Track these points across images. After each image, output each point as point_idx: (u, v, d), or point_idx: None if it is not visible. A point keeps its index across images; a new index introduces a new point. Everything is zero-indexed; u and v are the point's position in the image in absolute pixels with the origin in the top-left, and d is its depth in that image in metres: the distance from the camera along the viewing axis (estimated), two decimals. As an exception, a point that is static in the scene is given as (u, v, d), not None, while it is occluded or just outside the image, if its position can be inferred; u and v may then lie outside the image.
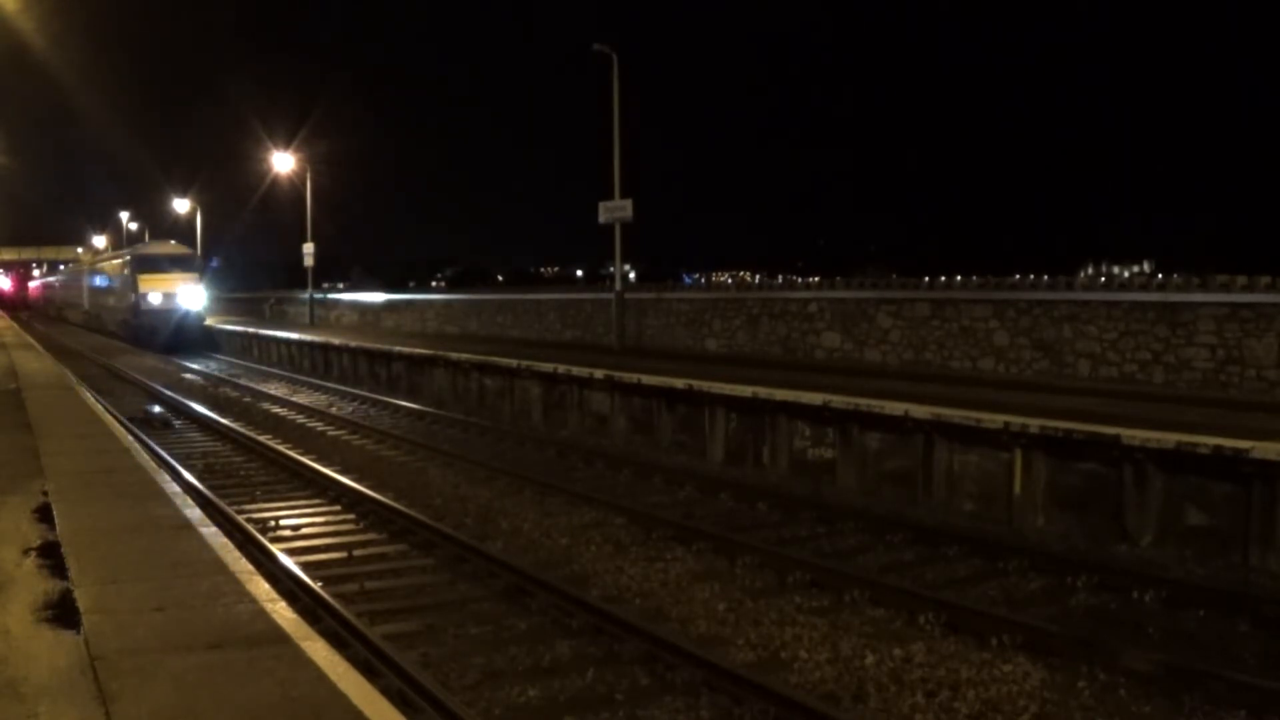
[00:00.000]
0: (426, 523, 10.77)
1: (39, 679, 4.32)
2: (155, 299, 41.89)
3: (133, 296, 42.67)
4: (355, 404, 23.04)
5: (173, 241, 49.79)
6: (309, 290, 44.23)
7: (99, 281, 54.43)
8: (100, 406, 15.58)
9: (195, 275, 43.76)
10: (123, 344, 43.59)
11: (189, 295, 42.45)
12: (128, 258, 45.61)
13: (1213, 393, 13.62)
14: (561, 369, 19.06)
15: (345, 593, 8.65)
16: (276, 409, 21.87)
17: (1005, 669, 7.03)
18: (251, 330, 38.98)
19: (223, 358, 38.10)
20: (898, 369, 17.92)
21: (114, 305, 48.28)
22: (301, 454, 15.40)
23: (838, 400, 13.42)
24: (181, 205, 62.48)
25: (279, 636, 4.84)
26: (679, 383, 16.16)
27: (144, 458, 10.51)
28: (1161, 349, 14.59)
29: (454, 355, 23.14)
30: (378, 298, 41.06)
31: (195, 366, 33.56)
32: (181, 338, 40.69)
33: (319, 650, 4.69)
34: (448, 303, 35.66)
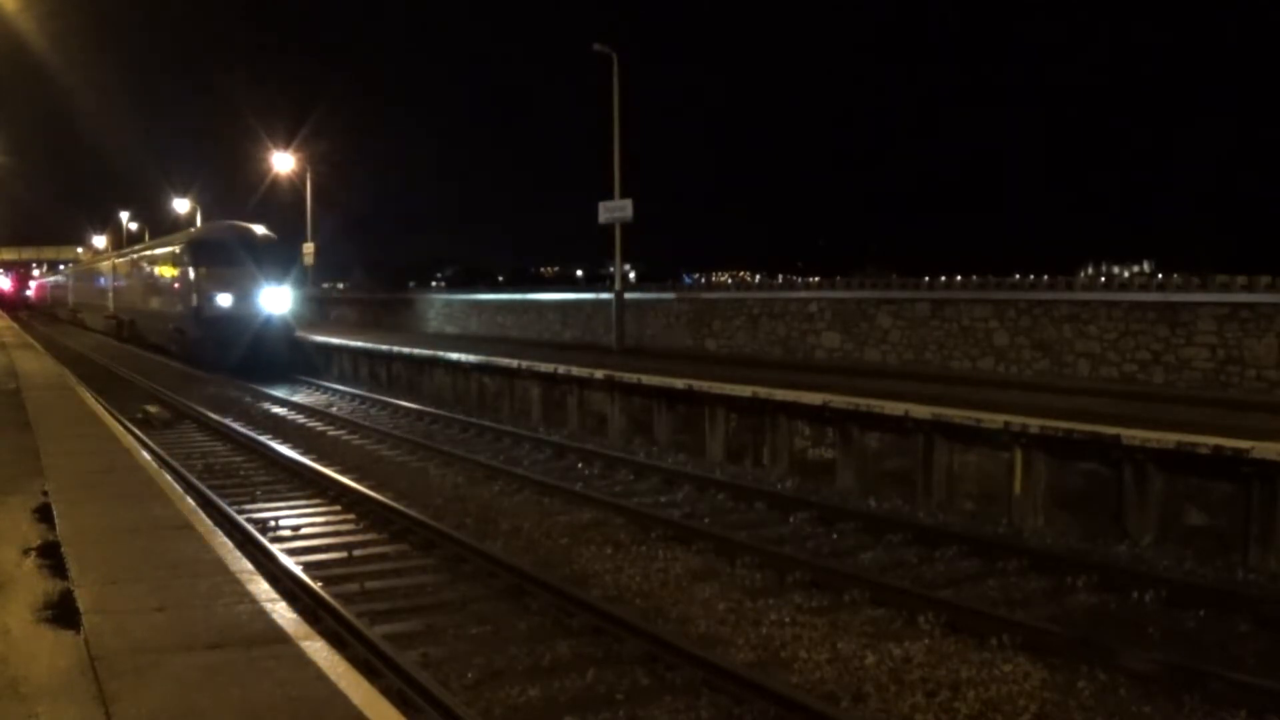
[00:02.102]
0: (426, 522, 10.77)
1: (39, 679, 4.32)
2: (224, 301, 30.25)
3: (192, 298, 30.75)
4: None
5: (244, 223, 35.09)
6: (307, 289, 44.28)
7: (134, 277, 41.40)
8: (100, 406, 15.58)
9: (280, 268, 31.77)
10: (167, 360, 32.22)
11: (273, 296, 30.73)
12: (182, 245, 33.24)
13: (1213, 393, 13.61)
14: (561, 369, 19.06)
15: (345, 593, 8.65)
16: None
17: (1005, 669, 7.03)
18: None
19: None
20: (898, 369, 17.92)
21: (159, 310, 35.74)
22: (303, 454, 15.42)
23: (838, 400, 13.42)
24: (182, 205, 62.55)
25: (279, 636, 4.84)
26: (679, 382, 16.15)
27: (144, 457, 10.51)
28: (1161, 349, 14.58)
29: (454, 356, 23.15)
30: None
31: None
32: (261, 355, 29.18)
33: (319, 650, 4.69)
34: (447, 302, 35.85)
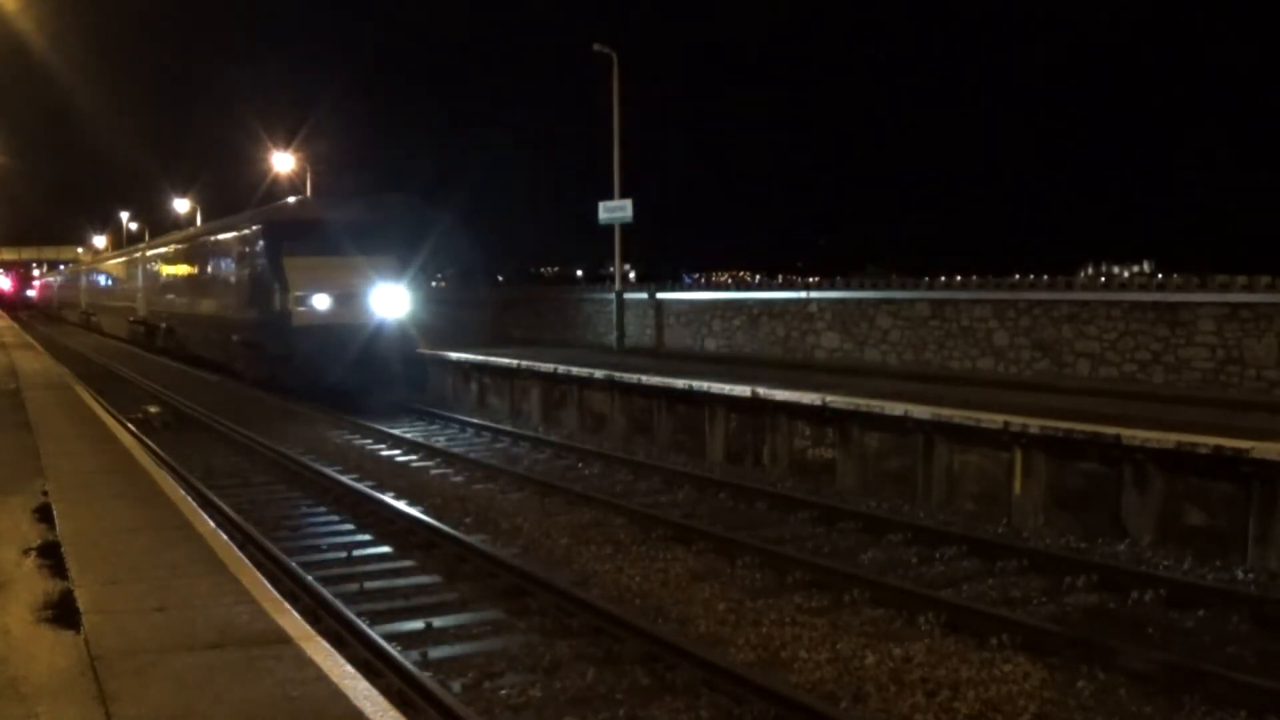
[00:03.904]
0: (427, 522, 10.77)
1: (39, 679, 4.32)
2: (321, 304, 21.69)
3: (275, 300, 21.98)
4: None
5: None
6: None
7: (175, 272, 32.38)
8: (100, 406, 15.58)
9: (396, 257, 22.93)
10: (230, 379, 25.48)
11: (385, 297, 22.28)
12: (259, 227, 23.74)
13: (1213, 393, 13.61)
14: (561, 369, 19.06)
15: (345, 593, 8.66)
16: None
17: (1005, 669, 7.03)
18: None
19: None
20: (898, 369, 17.92)
21: (217, 315, 26.72)
22: (301, 454, 15.41)
23: (838, 400, 13.42)
24: (182, 205, 62.55)
25: (279, 636, 4.84)
26: (679, 383, 16.15)
27: (144, 458, 10.51)
28: (1161, 349, 14.58)
29: (454, 355, 23.13)
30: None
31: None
32: (373, 374, 21.61)
33: (319, 650, 4.69)
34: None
